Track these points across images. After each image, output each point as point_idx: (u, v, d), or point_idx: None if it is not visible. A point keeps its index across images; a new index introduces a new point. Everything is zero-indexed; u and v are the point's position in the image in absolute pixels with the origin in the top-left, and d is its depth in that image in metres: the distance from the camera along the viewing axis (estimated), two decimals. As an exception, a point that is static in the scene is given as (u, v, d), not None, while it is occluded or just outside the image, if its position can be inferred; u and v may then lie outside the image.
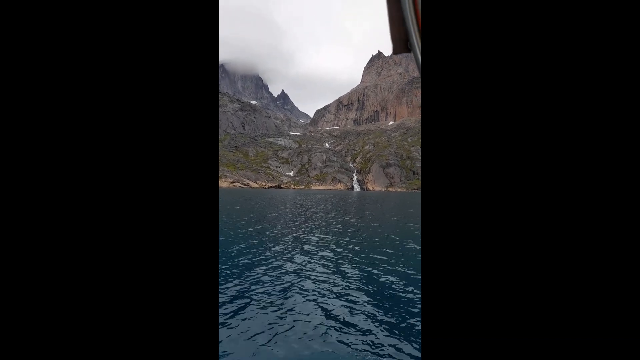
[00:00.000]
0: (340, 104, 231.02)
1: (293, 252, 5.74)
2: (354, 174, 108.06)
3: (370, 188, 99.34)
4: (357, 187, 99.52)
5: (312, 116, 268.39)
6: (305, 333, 2.69)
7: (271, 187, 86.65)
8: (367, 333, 2.72)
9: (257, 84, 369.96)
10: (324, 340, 2.60)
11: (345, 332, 2.73)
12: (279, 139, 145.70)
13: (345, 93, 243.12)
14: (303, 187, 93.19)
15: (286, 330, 2.72)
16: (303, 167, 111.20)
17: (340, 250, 6.11)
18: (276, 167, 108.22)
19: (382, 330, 2.77)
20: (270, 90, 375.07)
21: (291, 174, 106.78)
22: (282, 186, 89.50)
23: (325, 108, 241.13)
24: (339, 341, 2.60)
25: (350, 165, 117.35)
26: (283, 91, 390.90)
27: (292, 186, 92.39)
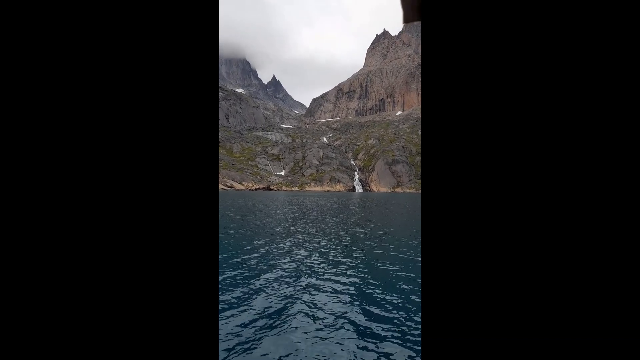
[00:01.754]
0: (340, 92, 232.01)
1: (288, 254, 6.63)
2: (356, 173, 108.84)
3: (374, 189, 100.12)
4: (359, 188, 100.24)
5: (307, 106, 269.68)
6: (304, 334, 3.13)
7: (259, 188, 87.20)
8: (367, 333, 3.15)
9: (244, 69, 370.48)
10: (324, 341, 2.99)
11: (345, 332, 3.16)
12: (269, 132, 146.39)
13: (346, 79, 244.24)
14: (296, 188, 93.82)
15: (286, 331, 3.16)
16: (296, 165, 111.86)
17: (339, 251, 7.04)
18: (265, 165, 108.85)
19: (382, 331, 3.20)
20: (259, 76, 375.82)
21: (282, 173, 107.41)
22: (271, 187, 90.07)
23: (323, 96, 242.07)
24: (338, 341, 2.99)
25: (352, 162, 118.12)
26: (274, 77, 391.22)
27: (283, 187, 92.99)
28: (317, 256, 6.57)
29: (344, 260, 6.23)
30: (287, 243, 8.00)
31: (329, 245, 7.74)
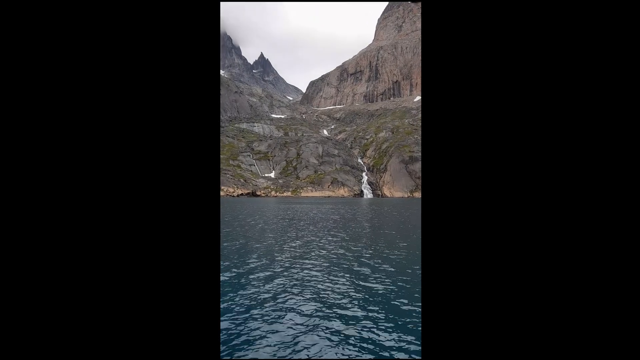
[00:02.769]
0: (345, 73, 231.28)
1: (287, 253, 8.77)
2: (364, 174, 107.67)
3: (388, 193, 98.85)
4: (367, 193, 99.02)
5: (304, 91, 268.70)
6: (304, 333, 3.93)
7: (242, 194, 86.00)
8: (368, 333, 3.99)
9: (225, 45, 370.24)
10: (324, 340, 3.79)
11: (345, 332, 3.99)
12: (256, 124, 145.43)
13: (351, 57, 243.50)
14: (289, 193, 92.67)
15: (286, 330, 4.02)
16: (290, 164, 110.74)
17: (339, 250, 9.09)
18: (250, 165, 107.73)
19: (382, 330, 4.06)
20: (243, 54, 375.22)
21: (272, 174, 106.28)
22: (258, 193, 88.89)
23: (323, 79, 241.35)
24: (339, 340, 3.77)
25: (359, 160, 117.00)
26: (262, 55, 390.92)
27: (272, 193, 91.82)
28: (314, 252, 8.44)
29: (342, 258, 7.95)
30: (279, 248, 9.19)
31: (324, 242, 9.67)
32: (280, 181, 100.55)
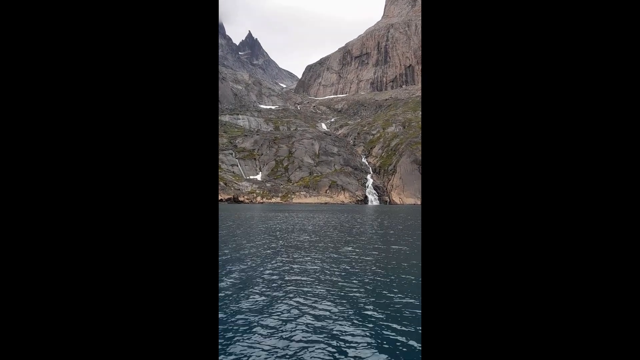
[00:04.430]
0: (348, 56, 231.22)
1: (288, 255, 10.03)
2: (369, 176, 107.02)
3: (397, 200, 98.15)
4: (373, 199, 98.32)
5: (299, 77, 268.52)
6: (304, 335, 4.63)
7: (222, 200, 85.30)
8: (368, 334, 4.71)
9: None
10: (323, 341, 4.43)
11: (345, 332, 4.72)
12: (240, 116, 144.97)
13: (356, 37, 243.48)
14: (278, 199, 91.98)
15: (285, 330, 4.78)
16: (280, 164, 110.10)
17: (338, 251, 10.64)
18: (232, 165, 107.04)
19: (382, 331, 4.79)
20: (227, 32, 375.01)
21: (258, 177, 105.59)
22: (240, 199, 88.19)
23: (323, 63, 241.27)
24: (338, 341, 4.43)
25: (363, 160, 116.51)
26: (250, 35, 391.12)
27: (258, 198, 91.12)
28: (315, 253, 9.76)
29: (342, 259, 9.16)
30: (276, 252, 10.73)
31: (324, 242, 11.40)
32: (268, 184, 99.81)
